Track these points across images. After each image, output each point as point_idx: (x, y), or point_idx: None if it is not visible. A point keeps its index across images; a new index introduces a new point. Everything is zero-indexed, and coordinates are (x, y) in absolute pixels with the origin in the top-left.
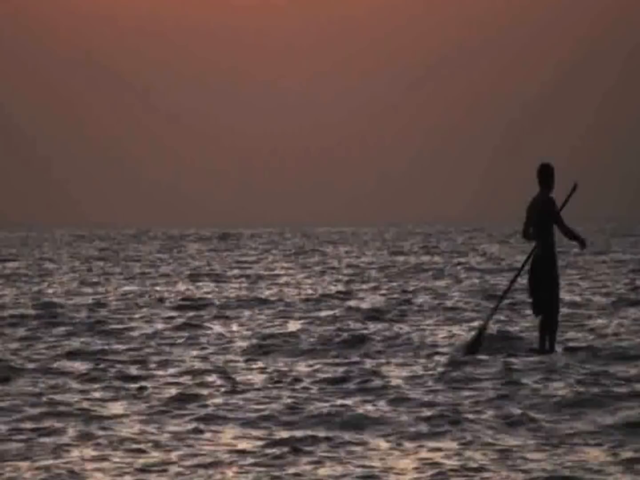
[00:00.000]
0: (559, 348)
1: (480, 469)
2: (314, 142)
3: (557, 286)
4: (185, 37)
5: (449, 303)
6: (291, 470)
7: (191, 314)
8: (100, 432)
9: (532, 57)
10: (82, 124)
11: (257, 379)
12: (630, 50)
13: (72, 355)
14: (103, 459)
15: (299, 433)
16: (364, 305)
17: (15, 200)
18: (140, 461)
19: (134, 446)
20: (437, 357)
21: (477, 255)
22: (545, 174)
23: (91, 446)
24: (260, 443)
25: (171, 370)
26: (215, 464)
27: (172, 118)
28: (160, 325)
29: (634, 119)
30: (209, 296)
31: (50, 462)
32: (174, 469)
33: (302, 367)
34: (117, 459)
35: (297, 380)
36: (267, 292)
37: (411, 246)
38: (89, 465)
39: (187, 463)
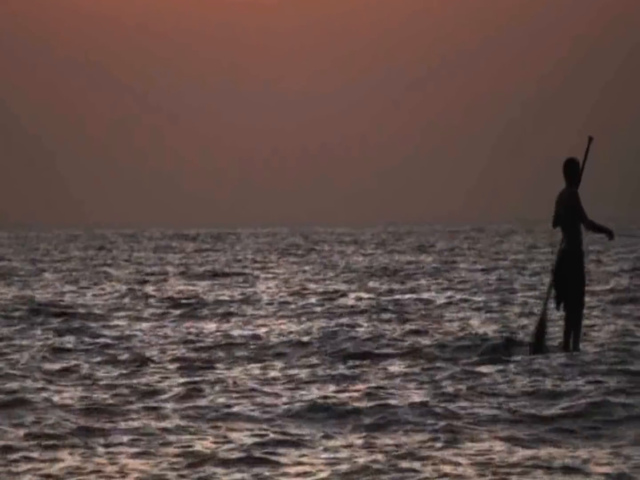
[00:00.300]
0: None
1: (459, 463)
2: (314, 141)
3: (584, 282)
4: (185, 36)
5: (438, 302)
6: (265, 470)
7: (177, 312)
8: (68, 427)
9: (532, 56)
10: (83, 123)
11: (238, 377)
12: (629, 50)
13: (50, 353)
14: (73, 455)
15: (279, 430)
16: (352, 303)
17: (17, 200)
18: (118, 458)
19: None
20: (422, 356)
21: (471, 255)
22: (571, 169)
23: (64, 445)
24: (239, 441)
25: (152, 368)
26: (191, 462)
27: (173, 117)
28: (144, 324)
29: (633, 119)
30: (196, 295)
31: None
32: (145, 467)
33: (283, 365)
34: (84, 456)
35: (276, 378)
36: (256, 291)
37: (407, 245)
38: (62, 465)
39: (152, 461)
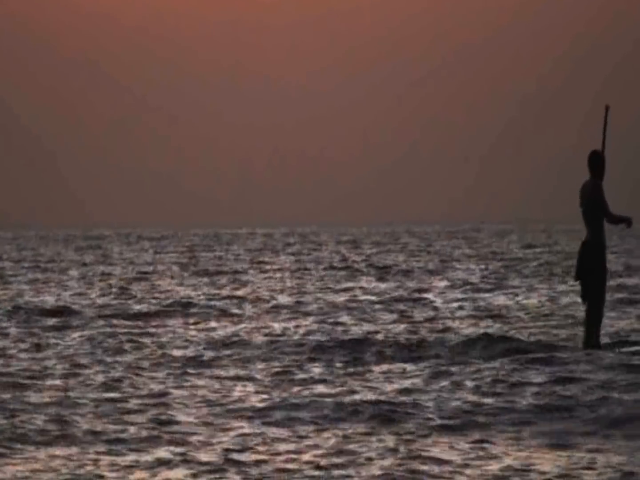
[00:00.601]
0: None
1: (430, 457)
2: (314, 140)
3: (605, 276)
4: (185, 35)
5: (432, 300)
6: (253, 468)
7: (169, 310)
8: (42, 427)
9: (532, 55)
10: (83, 123)
11: (227, 375)
12: (630, 48)
13: (32, 351)
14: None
15: (267, 428)
16: (346, 302)
17: (18, 201)
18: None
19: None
20: (413, 353)
21: (468, 254)
22: (594, 161)
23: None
24: (226, 439)
25: (137, 366)
26: (176, 461)
27: (174, 117)
28: (134, 323)
29: (633, 118)
30: (187, 294)
31: None
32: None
33: (274, 363)
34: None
35: (267, 376)
36: (249, 290)
37: (405, 245)
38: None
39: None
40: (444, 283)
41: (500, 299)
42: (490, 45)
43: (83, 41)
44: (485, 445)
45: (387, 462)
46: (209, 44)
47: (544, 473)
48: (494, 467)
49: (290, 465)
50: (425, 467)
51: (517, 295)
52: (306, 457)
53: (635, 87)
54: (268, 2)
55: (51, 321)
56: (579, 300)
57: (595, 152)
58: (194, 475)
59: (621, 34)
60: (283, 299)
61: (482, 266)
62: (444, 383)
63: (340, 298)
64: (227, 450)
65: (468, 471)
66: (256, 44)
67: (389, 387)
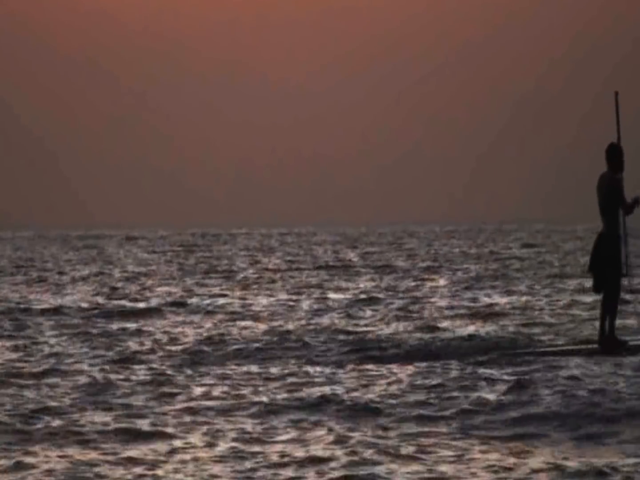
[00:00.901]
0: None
1: (399, 454)
2: (313, 139)
3: (620, 266)
4: (185, 33)
5: (428, 300)
6: (244, 465)
7: (161, 310)
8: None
9: (532, 53)
10: (84, 123)
11: (219, 374)
12: (629, 48)
13: (15, 351)
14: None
15: (260, 425)
16: (340, 301)
17: (19, 201)
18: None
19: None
20: (406, 353)
21: (466, 254)
22: (612, 153)
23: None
24: (218, 436)
25: (125, 365)
26: (163, 460)
27: (174, 116)
28: (126, 324)
29: (632, 117)
30: (180, 293)
31: None
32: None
33: (268, 363)
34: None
35: (260, 375)
36: (243, 289)
37: (403, 245)
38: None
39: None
40: (438, 282)
41: (494, 298)
42: (491, 44)
43: (83, 39)
44: (468, 441)
45: (366, 457)
46: (208, 42)
47: (519, 469)
48: (473, 464)
49: (271, 460)
50: (407, 464)
51: (511, 294)
52: (287, 451)
53: (636, 87)
54: (267, 1)
55: (42, 319)
56: (582, 296)
57: (612, 144)
58: (175, 471)
59: (621, 34)
60: (275, 298)
61: (479, 265)
62: (431, 381)
63: (333, 296)
64: (208, 445)
65: (446, 468)
66: (255, 43)
67: (373, 385)
